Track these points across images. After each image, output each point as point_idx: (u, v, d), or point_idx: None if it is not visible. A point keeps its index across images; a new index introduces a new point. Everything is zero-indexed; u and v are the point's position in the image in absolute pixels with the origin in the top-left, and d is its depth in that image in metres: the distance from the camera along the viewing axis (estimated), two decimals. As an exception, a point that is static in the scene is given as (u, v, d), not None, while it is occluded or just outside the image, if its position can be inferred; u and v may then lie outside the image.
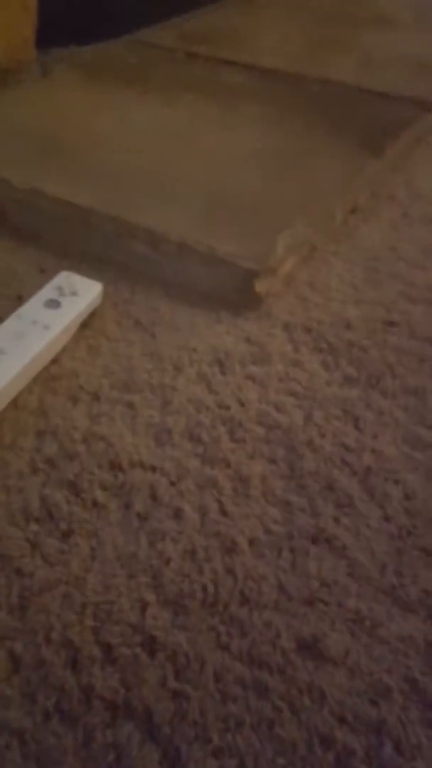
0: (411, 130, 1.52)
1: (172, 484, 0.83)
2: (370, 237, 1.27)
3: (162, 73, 1.74)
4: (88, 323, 1.05)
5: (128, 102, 1.57)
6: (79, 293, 1.04)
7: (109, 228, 1.18)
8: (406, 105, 1.60)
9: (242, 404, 0.95)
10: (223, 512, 0.81)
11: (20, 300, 1.04)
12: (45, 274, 1.12)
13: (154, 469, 0.85)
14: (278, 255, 1.13)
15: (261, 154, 1.38)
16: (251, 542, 0.78)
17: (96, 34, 1.88)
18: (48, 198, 1.22)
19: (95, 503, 0.80)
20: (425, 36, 2.11)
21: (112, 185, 1.26)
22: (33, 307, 1.01)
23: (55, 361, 0.98)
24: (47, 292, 1.04)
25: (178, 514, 0.80)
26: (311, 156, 1.39)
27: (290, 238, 1.16)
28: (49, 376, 0.96)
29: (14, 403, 0.91)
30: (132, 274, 1.15)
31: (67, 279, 1.06)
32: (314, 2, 2.33)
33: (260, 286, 1.10)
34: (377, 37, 2.06)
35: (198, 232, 1.15)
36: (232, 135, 1.45)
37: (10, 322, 0.98)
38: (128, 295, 1.11)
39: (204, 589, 0.73)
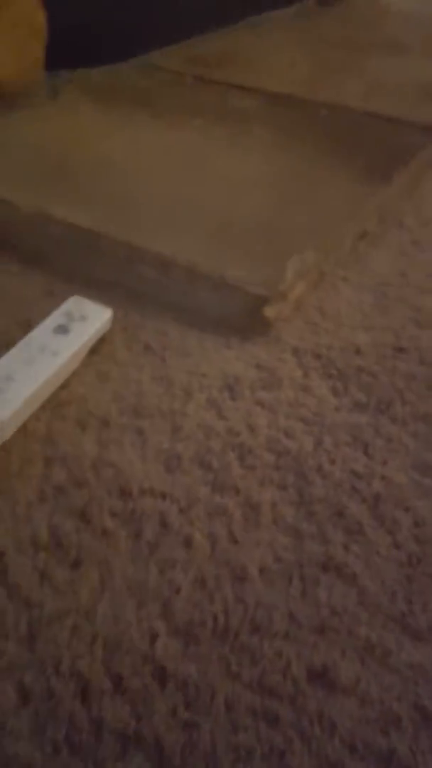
0: (420, 157, 1.52)
1: (182, 511, 0.83)
2: (379, 263, 1.28)
3: (171, 97, 1.75)
4: (97, 348, 1.05)
5: (137, 125, 1.58)
6: (88, 318, 1.05)
7: (118, 252, 1.18)
8: (415, 131, 1.61)
9: (252, 430, 0.95)
10: (234, 540, 0.81)
11: (29, 324, 1.04)
12: (53, 298, 1.12)
13: (164, 496, 0.85)
14: (287, 280, 1.13)
15: (270, 180, 1.39)
16: (261, 570, 0.78)
17: (105, 57, 1.89)
18: (56, 221, 1.23)
19: (105, 531, 0.80)
20: (433, 61, 2.12)
21: (120, 209, 1.27)
22: (42, 332, 1.01)
23: (64, 386, 0.98)
24: (56, 317, 1.04)
25: (188, 542, 0.80)
26: (320, 181, 1.39)
27: (299, 264, 1.16)
28: (58, 402, 0.96)
29: (23, 430, 0.91)
30: (141, 299, 1.15)
31: (76, 304, 1.06)
32: (323, 27, 2.34)
33: (270, 312, 1.10)
34: (386, 62, 2.07)
35: (207, 257, 1.15)
36: (241, 160, 1.46)
37: (20, 348, 0.98)
38: (138, 320, 1.12)
39: (214, 618, 0.73)
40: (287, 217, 1.28)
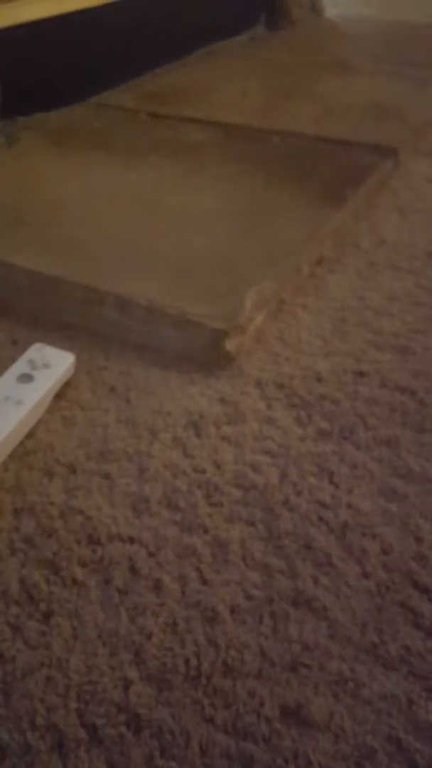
0: (372, 178, 1.54)
1: (151, 555, 0.84)
2: (336, 287, 1.29)
3: (126, 135, 1.76)
4: (62, 393, 1.06)
5: (94, 167, 1.60)
6: (51, 365, 1.05)
7: (79, 296, 1.19)
8: (367, 151, 1.63)
9: (218, 466, 0.96)
10: (203, 580, 0.82)
11: (-6, 374, 1.05)
12: (17, 346, 1.13)
13: (132, 540, 0.85)
14: (247, 312, 1.15)
15: (226, 213, 1.41)
16: (232, 610, 0.79)
17: (60, 100, 1.91)
18: (18, 269, 1.24)
19: (75, 581, 0.80)
20: (382, 80, 2.15)
21: (81, 253, 1.28)
22: (6, 382, 1.02)
23: (30, 435, 0.99)
24: (20, 366, 1.05)
25: (158, 586, 0.81)
26: (275, 211, 1.41)
27: (258, 295, 1.18)
28: (24, 452, 0.97)
29: (-9, 482, 0.92)
30: (104, 341, 1.16)
31: (39, 351, 1.07)
32: (273, 53, 2.37)
33: (231, 345, 1.12)
34: (335, 84, 2.09)
35: (167, 294, 1.17)
36: (196, 195, 1.48)
37: (-16, 400, 0.99)
38: (102, 362, 1.13)
39: (186, 662, 0.74)
40: (244, 249, 1.29)
